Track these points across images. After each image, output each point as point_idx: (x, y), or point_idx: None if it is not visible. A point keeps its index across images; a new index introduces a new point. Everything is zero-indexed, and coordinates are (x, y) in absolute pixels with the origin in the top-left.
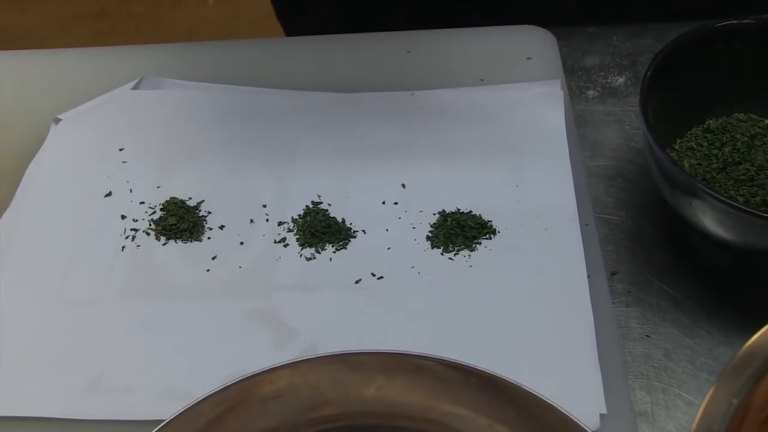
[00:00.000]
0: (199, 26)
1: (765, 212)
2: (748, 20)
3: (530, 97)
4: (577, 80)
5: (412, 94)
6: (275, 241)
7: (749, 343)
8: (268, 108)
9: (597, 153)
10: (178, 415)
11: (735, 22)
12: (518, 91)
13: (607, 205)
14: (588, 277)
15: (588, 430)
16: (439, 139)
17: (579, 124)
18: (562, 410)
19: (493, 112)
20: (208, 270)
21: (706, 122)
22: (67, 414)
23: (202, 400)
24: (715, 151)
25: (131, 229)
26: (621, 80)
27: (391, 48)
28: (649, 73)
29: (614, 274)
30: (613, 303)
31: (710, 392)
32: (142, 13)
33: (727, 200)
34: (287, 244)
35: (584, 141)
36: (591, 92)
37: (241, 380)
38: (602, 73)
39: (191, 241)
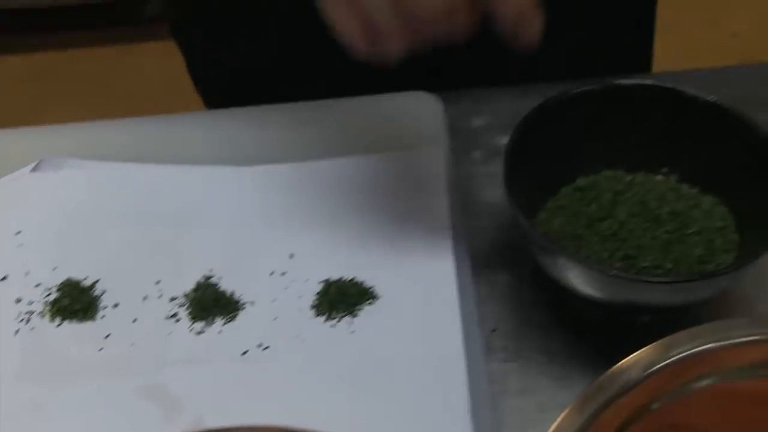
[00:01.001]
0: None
1: (625, 268)
2: (614, 83)
3: (413, 162)
4: (463, 142)
5: (302, 164)
6: (167, 317)
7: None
8: (163, 184)
9: (481, 212)
10: None
11: (600, 86)
12: (401, 157)
13: (489, 264)
14: (465, 336)
15: None
16: (325, 208)
17: (464, 185)
18: None
19: (378, 180)
20: (101, 349)
21: (577, 180)
22: None
23: None
24: (583, 209)
25: (26, 312)
26: (505, 141)
27: (285, 120)
28: (515, 137)
29: (494, 331)
30: (492, 359)
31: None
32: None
33: (584, 262)
34: (179, 319)
35: (469, 201)
36: (477, 153)
37: None
38: (488, 134)
39: (85, 321)
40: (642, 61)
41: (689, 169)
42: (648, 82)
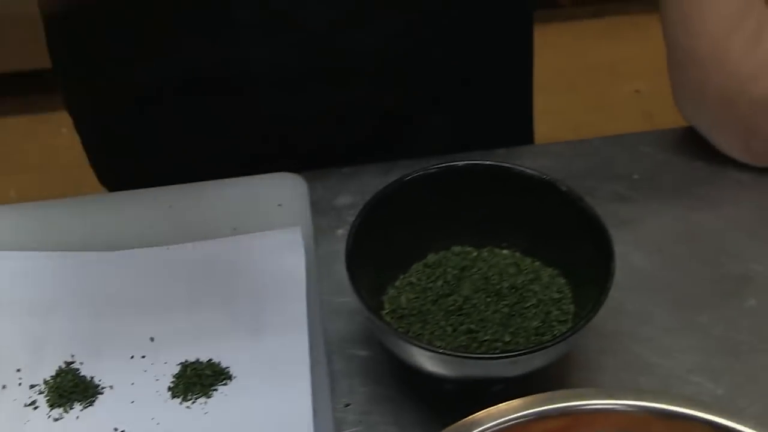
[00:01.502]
0: None
1: (467, 342)
2: (457, 164)
3: (273, 244)
4: (328, 220)
5: (168, 248)
6: (25, 405)
7: None
8: (30, 271)
9: (342, 290)
10: None
11: (446, 166)
12: (262, 239)
13: (347, 340)
14: (315, 412)
15: None
16: (187, 291)
17: (328, 263)
18: None
19: (238, 262)
20: None
21: (427, 257)
22: None
23: None
24: (431, 285)
25: None
26: None
27: (154, 204)
28: (359, 218)
29: (347, 406)
30: None
31: None
32: None
33: (421, 344)
34: (37, 407)
35: (332, 279)
36: (340, 231)
37: None
38: (352, 212)
39: None
40: (525, 134)
41: (530, 243)
42: (487, 162)
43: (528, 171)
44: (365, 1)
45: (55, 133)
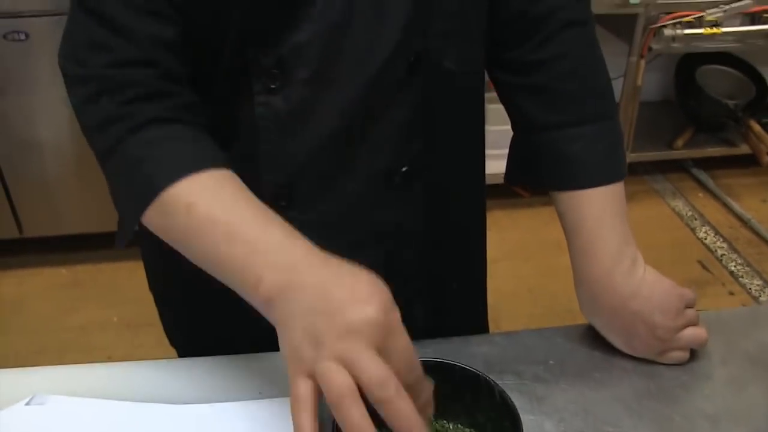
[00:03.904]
0: None
1: None
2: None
3: None
4: None
5: (234, 404)
6: None
7: None
8: (119, 418)
9: None
10: None
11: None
12: None
13: None
14: None
15: None
16: None
17: None
18: None
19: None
20: None
21: None
22: None
23: None
24: None
25: None
26: None
27: (221, 368)
28: None
29: None
30: None
31: None
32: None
33: None
34: None
35: None
36: None
37: None
38: None
39: None
40: (480, 322)
41: (464, 421)
42: (437, 359)
43: (459, 364)
44: None
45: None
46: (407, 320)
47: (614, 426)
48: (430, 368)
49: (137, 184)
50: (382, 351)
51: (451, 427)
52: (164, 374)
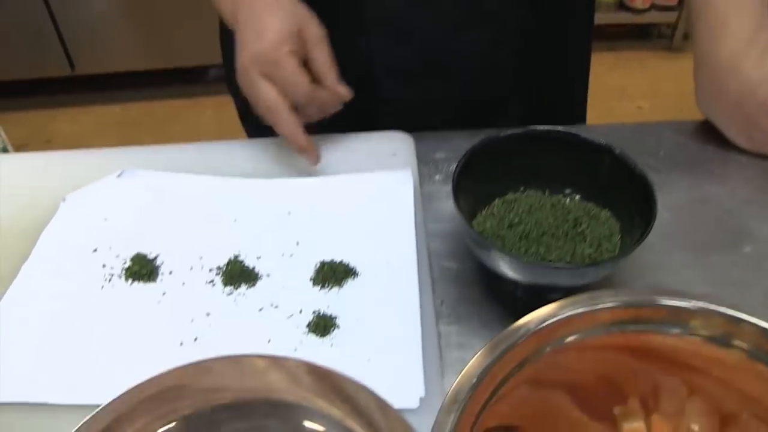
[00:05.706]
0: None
1: (536, 259)
2: (531, 129)
3: (391, 179)
4: (429, 168)
5: (307, 179)
6: (206, 282)
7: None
8: (208, 190)
9: (438, 219)
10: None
11: (522, 131)
12: (383, 175)
13: (441, 256)
14: (421, 304)
15: (389, 403)
16: (324, 209)
17: (427, 199)
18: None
19: (365, 191)
20: (159, 302)
21: (507, 195)
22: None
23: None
24: (507, 215)
25: (109, 274)
26: None
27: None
28: (459, 166)
29: (442, 303)
30: (441, 322)
31: (461, 373)
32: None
33: (507, 253)
34: (215, 284)
35: (430, 210)
36: (437, 176)
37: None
38: (446, 164)
39: (149, 282)
40: (580, 115)
41: (588, 192)
42: (558, 128)
43: (590, 138)
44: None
45: (200, 114)
46: (502, 116)
47: (733, 214)
48: (552, 136)
49: None
50: (269, 76)
51: (567, 201)
52: (241, 153)
